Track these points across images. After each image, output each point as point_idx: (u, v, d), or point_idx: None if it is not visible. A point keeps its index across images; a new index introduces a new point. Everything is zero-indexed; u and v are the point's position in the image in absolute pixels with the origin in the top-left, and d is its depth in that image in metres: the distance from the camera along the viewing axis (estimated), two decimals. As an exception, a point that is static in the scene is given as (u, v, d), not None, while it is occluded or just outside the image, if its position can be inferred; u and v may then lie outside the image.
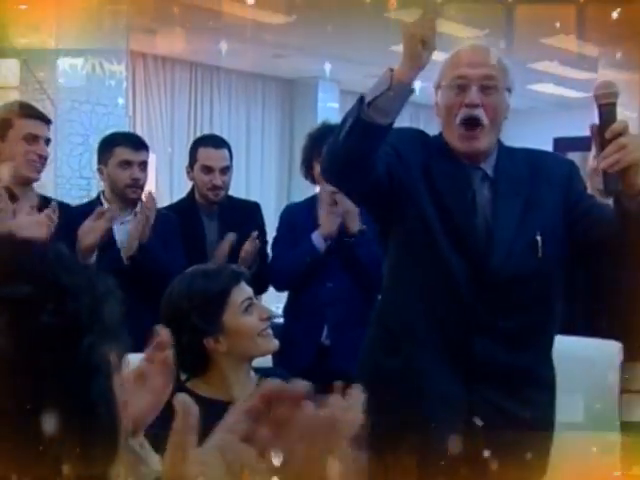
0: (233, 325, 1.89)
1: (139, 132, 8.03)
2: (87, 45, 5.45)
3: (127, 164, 3.12)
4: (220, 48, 7.29)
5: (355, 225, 3.11)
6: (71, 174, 5.42)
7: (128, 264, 2.97)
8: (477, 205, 2.07)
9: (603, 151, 1.79)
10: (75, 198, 4.92)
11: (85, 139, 5.45)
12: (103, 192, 3.25)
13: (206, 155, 3.40)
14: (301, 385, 0.70)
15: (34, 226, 2.41)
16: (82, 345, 0.56)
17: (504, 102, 2.08)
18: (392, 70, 1.86)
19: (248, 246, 3.21)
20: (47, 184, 5.06)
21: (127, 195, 3.14)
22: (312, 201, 3.36)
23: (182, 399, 0.70)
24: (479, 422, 1.97)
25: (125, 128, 5.70)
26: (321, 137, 3.19)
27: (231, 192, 3.56)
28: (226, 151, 3.43)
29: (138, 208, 3.13)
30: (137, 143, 3.23)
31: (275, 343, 1.99)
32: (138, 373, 1.33)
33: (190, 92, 8.76)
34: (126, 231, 3.07)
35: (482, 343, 2.02)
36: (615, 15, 5.64)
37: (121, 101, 5.72)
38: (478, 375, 2.03)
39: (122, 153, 3.13)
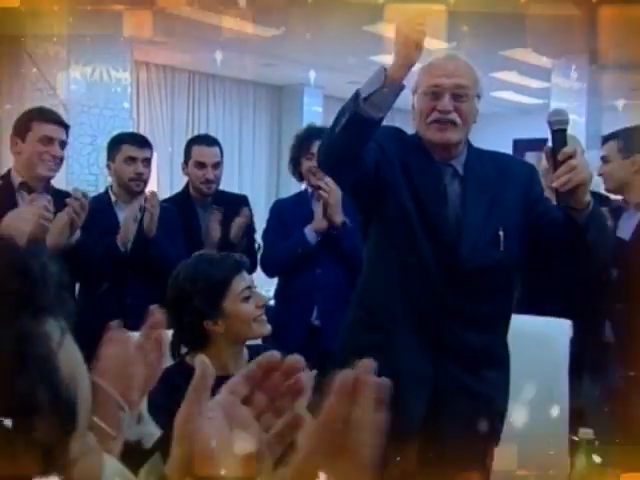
0: (232, 311, 1.88)
1: (142, 133, 8.00)
2: (95, 55, 5.42)
3: (132, 160, 3.11)
4: (215, 58, 7.26)
5: (338, 218, 3.11)
6: (80, 171, 5.40)
7: (124, 251, 2.96)
8: (448, 199, 2.07)
9: (556, 171, 1.81)
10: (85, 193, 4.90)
11: (93, 139, 5.44)
12: (111, 186, 3.24)
13: (199, 152, 3.42)
14: (297, 358, 0.70)
15: (28, 215, 2.42)
16: (18, 323, 0.53)
17: (474, 108, 2.08)
18: (385, 69, 1.85)
19: (239, 220, 3.26)
20: (59, 180, 5.05)
21: (131, 188, 3.12)
22: (299, 196, 3.38)
23: (202, 360, 0.68)
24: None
25: (129, 129, 5.68)
26: (307, 138, 3.19)
27: (225, 188, 3.58)
28: (217, 148, 3.46)
29: (143, 202, 3.10)
30: (141, 141, 3.23)
31: (268, 327, 1.97)
32: (136, 348, 1.32)
33: (188, 97, 8.73)
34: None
35: (449, 324, 2.02)
36: (566, 32, 5.67)
37: (126, 105, 5.70)
38: (445, 353, 2.03)
39: (128, 150, 3.13)
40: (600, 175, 2.95)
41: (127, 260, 2.97)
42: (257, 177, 9.32)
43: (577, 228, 1.89)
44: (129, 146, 3.14)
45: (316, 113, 9.16)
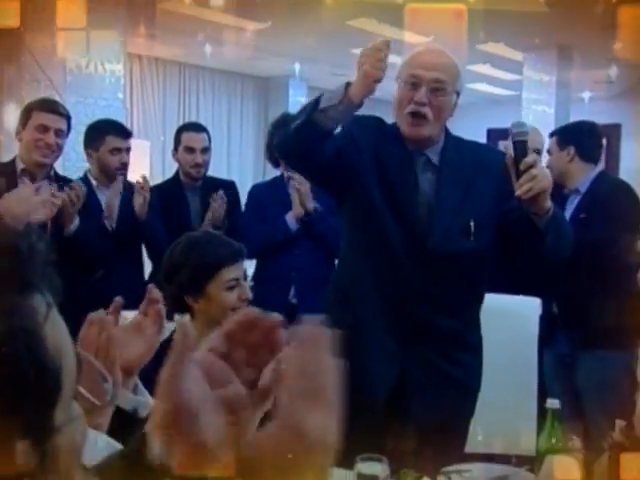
0: (213, 295, 1.86)
1: (135, 123, 7.95)
2: (90, 48, 5.37)
3: (117, 151, 3.13)
4: (205, 51, 7.21)
5: (310, 204, 3.16)
6: (76, 158, 5.36)
7: (111, 230, 3.02)
8: (420, 187, 2.03)
9: (518, 180, 1.83)
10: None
11: (89, 128, 5.40)
12: (89, 171, 3.23)
13: (188, 138, 3.44)
14: (275, 315, 0.69)
15: (39, 204, 2.45)
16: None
17: (450, 103, 2.04)
18: (348, 85, 1.84)
19: (215, 203, 3.27)
20: (57, 167, 5.02)
21: (116, 176, 3.14)
22: (275, 181, 3.41)
23: (182, 322, 0.68)
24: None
25: (123, 119, 5.65)
26: (282, 125, 3.20)
27: (214, 174, 3.58)
28: (205, 135, 3.47)
29: (120, 185, 3.14)
30: (125, 133, 3.24)
31: None
32: (135, 323, 1.33)
33: (179, 88, 8.69)
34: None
35: (419, 308, 2.00)
36: (535, 27, 5.69)
37: (120, 96, 5.65)
38: (414, 335, 2.01)
39: (113, 142, 3.13)
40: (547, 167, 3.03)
41: (113, 238, 3.02)
42: (244, 164, 9.30)
43: (538, 232, 1.93)
44: (114, 137, 3.15)
45: (301, 103, 9.10)
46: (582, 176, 3.03)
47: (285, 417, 0.59)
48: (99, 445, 0.78)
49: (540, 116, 6.72)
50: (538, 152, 3.22)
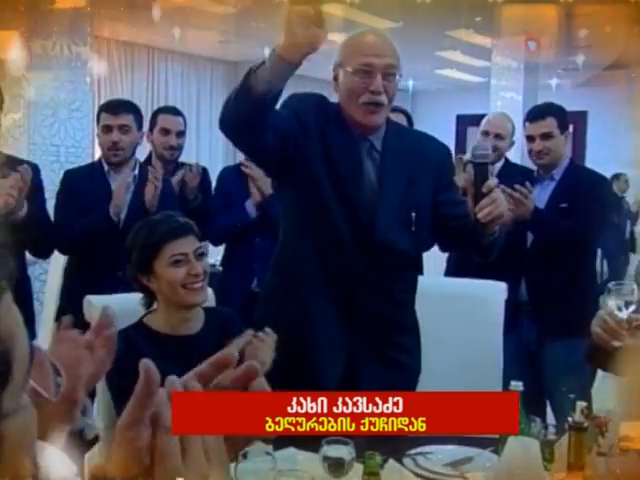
0: (160, 272, 1.85)
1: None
2: (56, 30, 5.28)
3: (107, 128, 2.92)
4: (174, 35, 7.13)
5: (266, 189, 3.11)
6: (42, 142, 5.29)
7: (116, 222, 2.81)
8: (364, 174, 2.01)
9: (479, 203, 1.86)
10: (46, 162, 4.82)
11: (55, 111, 5.33)
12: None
13: (164, 119, 3.38)
14: (251, 365, 0.68)
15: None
16: None
17: (397, 86, 2.01)
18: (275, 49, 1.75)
19: (190, 173, 3.22)
20: (22, 150, 4.94)
21: (109, 159, 2.95)
22: (239, 166, 3.36)
23: (146, 364, 0.63)
24: None
25: (89, 103, 5.58)
26: None
27: (184, 158, 3.54)
28: (181, 119, 3.43)
29: (136, 171, 2.95)
30: (115, 107, 3.01)
31: (201, 296, 1.89)
32: (86, 342, 1.29)
33: (148, 73, 8.59)
34: (128, 191, 2.91)
35: (364, 295, 1.99)
36: (505, 14, 5.72)
37: (87, 79, 5.58)
38: (359, 321, 2.00)
39: (104, 119, 2.95)
40: (539, 151, 3.00)
41: (120, 231, 2.76)
42: (214, 149, 9.23)
43: (481, 248, 2.01)
44: (105, 114, 2.97)
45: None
46: (561, 162, 3.05)
47: None
48: (53, 457, 0.77)
49: (508, 102, 6.78)
50: (500, 137, 3.22)
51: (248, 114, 1.78)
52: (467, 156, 1.90)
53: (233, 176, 3.33)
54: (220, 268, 3.49)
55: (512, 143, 3.30)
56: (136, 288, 1.93)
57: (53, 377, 1.08)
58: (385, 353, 2.04)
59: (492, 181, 1.86)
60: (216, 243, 3.38)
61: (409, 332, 2.12)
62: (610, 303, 1.79)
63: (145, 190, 2.87)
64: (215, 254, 3.64)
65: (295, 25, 1.67)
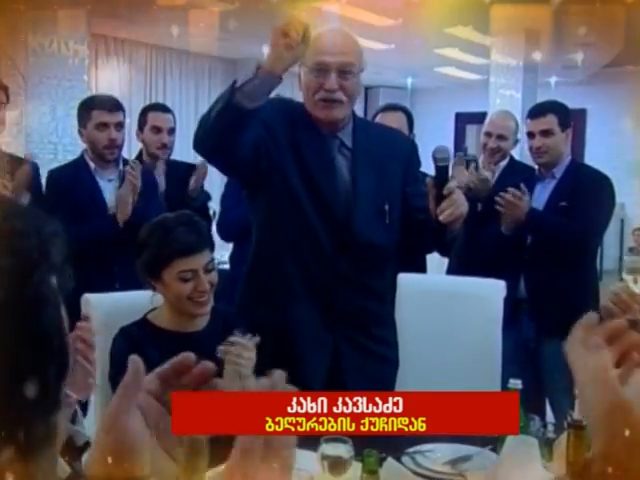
0: (167, 282, 1.85)
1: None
2: (53, 27, 5.28)
3: (104, 126, 2.88)
4: (172, 32, 7.12)
5: None
6: (39, 139, 5.29)
7: (124, 227, 2.78)
8: (336, 171, 2.02)
9: (440, 204, 1.89)
10: (44, 160, 4.81)
11: (52, 109, 5.33)
12: (86, 151, 3.00)
13: (155, 117, 3.34)
14: (207, 365, 0.71)
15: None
16: (33, 280, 0.56)
17: (359, 83, 2.02)
18: (259, 63, 1.81)
19: (198, 173, 3.21)
20: (19, 148, 4.94)
21: (105, 156, 2.91)
22: None
23: (133, 359, 0.68)
24: None
25: (88, 100, 5.57)
26: None
27: (181, 157, 3.53)
28: (171, 116, 3.40)
29: (121, 167, 2.92)
30: (112, 105, 2.98)
31: (204, 309, 1.88)
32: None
33: (146, 70, 8.58)
34: (112, 188, 2.89)
35: (345, 294, 2.01)
36: (503, 11, 5.72)
37: (85, 77, 5.57)
38: (341, 321, 2.02)
39: (99, 115, 2.89)
40: (538, 148, 2.99)
41: (121, 234, 2.77)
42: (213, 147, 9.24)
43: (441, 244, 2.08)
44: (100, 111, 2.90)
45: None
46: (562, 160, 3.03)
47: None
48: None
49: (507, 100, 6.77)
50: (503, 137, 3.22)
51: (230, 131, 1.80)
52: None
53: None
54: (227, 267, 3.45)
55: (516, 141, 3.30)
56: (143, 283, 1.93)
57: (85, 378, 1.13)
58: (368, 348, 2.07)
59: (452, 183, 1.90)
60: (227, 239, 3.36)
61: (388, 326, 2.16)
62: (626, 277, 1.79)
63: (123, 189, 2.83)
64: (220, 250, 3.63)
65: (281, 47, 1.76)
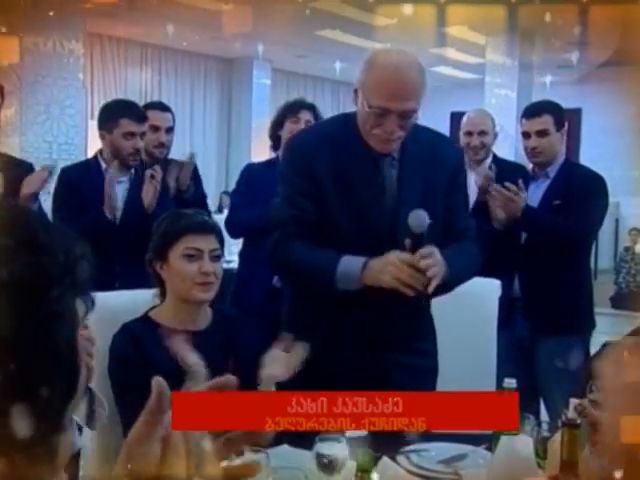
0: (172, 261, 1.86)
1: (96, 103, 7.82)
2: (48, 26, 5.27)
3: (131, 135, 2.93)
4: (167, 31, 7.11)
5: None
6: (35, 138, 5.28)
7: (112, 220, 2.82)
8: (385, 188, 1.98)
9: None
10: (39, 159, 4.80)
11: (47, 108, 5.32)
12: (101, 152, 3.01)
13: (153, 116, 3.31)
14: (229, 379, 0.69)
15: None
16: (50, 293, 0.56)
17: (417, 116, 1.94)
18: (364, 266, 1.86)
19: (184, 172, 3.22)
20: (14, 147, 4.93)
21: (128, 162, 2.95)
22: (270, 162, 3.31)
23: (158, 381, 0.64)
24: None
25: (82, 100, 5.57)
26: (296, 104, 3.18)
27: (177, 156, 3.52)
28: (170, 114, 3.37)
29: (132, 170, 2.96)
30: (140, 116, 3.03)
31: (208, 295, 1.88)
32: None
33: (141, 69, 8.57)
34: (122, 190, 2.93)
35: (391, 311, 1.96)
36: (498, 11, 5.73)
37: (80, 76, 5.56)
38: (388, 338, 2.00)
39: (127, 125, 2.93)
40: (533, 148, 3.00)
41: (117, 229, 2.80)
42: (208, 146, 9.22)
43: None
44: (129, 121, 2.94)
45: (264, 85, 9.05)
46: (556, 159, 3.04)
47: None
48: None
49: (503, 99, 6.79)
50: (484, 133, 3.23)
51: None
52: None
53: (260, 173, 3.27)
54: (235, 267, 3.44)
55: (495, 135, 3.32)
56: (150, 276, 1.93)
57: (95, 407, 1.11)
58: (412, 363, 2.02)
59: (427, 249, 1.83)
60: (235, 236, 3.35)
61: (429, 336, 2.12)
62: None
63: (144, 191, 2.87)
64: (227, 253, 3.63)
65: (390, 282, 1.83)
